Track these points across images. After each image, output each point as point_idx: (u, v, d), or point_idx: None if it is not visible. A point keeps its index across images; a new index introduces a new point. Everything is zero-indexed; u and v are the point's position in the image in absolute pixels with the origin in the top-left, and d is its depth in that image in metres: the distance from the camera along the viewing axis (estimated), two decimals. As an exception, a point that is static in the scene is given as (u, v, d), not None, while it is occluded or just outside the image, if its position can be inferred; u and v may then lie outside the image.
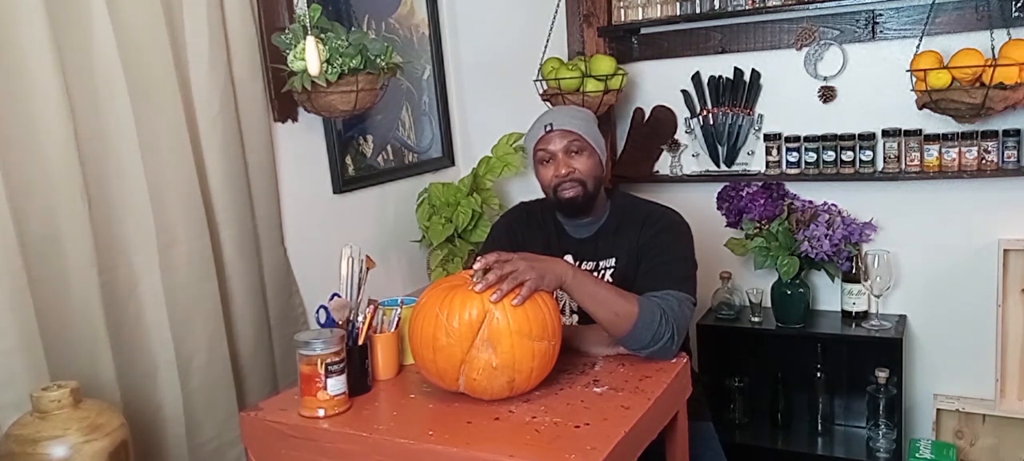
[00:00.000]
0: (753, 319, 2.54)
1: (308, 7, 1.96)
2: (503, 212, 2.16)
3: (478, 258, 1.50)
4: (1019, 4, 2.14)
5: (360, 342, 1.57)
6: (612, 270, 1.81)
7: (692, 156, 2.69)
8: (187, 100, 1.82)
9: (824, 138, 2.45)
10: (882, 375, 2.36)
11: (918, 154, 2.33)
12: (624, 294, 1.60)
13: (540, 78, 2.53)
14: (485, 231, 2.45)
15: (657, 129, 2.72)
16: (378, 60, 2.07)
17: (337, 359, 1.45)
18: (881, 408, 2.38)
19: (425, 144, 2.79)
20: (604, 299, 1.58)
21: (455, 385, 1.44)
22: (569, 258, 1.81)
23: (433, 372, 1.46)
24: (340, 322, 1.57)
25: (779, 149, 2.52)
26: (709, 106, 2.63)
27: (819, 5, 2.36)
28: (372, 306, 1.62)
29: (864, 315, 2.45)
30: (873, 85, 2.40)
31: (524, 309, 1.42)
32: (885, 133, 2.37)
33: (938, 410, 2.40)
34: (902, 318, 2.46)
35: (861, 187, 2.45)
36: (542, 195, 1.90)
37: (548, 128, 1.79)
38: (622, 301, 1.58)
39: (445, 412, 1.45)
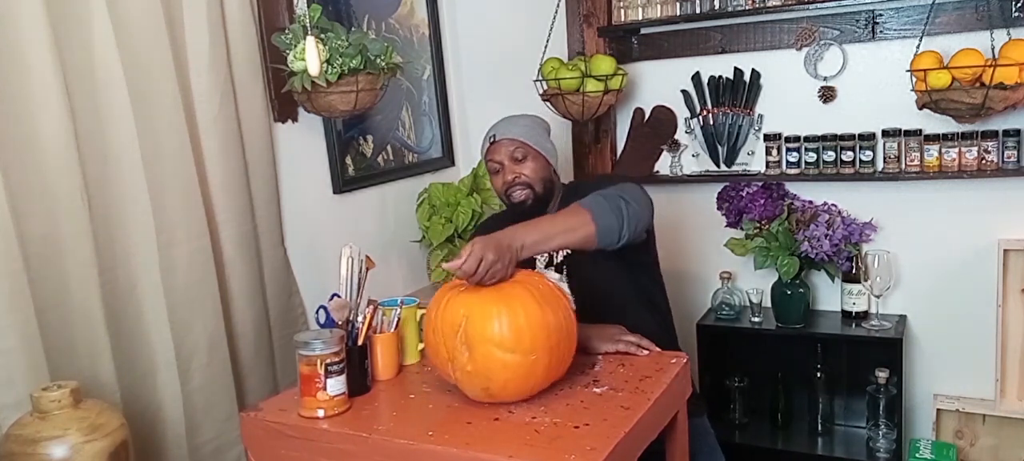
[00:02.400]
0: (753, 319, 2.54)
1: (308, 7, 1.96)
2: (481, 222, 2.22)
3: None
4: (1019, 4, 2.14)
5: (360, 342, 1.57)
6: None
7: (692, 156, 2.69)
8: (187, 100, 1.82)
9: (824, 138, 2.45)
10: (882, 375, 2.36)
11: (918, 154, 2.33)
12: (567, 210, 1.64)
13: (540, 78, 2.53)
14: (485, 231, 2.45)
15: (657, 129, 2.72)
16: (378, 60, 2.07)
17: (337, 359, 1.45)
18: (881, 408, 2.38)
19: (425, 144, 2.79)
20: (557, 227, 1.59)
21: (451, 378, 1.46)
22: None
23: (435, 361, 1.49)
24: (340, 322, 1.57)
25: (779, 149, 2.52)
26: (709, 106, 2.63)
27: (819, 5, 2.36)
28: (372, 306, 1.62)
29: (864, 315, 2.45)
30: (873, 85, 2.40)
31: (498, 319, 1.39)
32: (885, 133, 2.37)
33: (938, 410, 2.40)
34: (902, 318, 2.46)
35: (861, 187, 2.45)
36: None
37: (492, 139, 1.90)
38: (570, 215, 1.61)
39: (445, 412, 1.45)
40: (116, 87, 1.65)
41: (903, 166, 2.36)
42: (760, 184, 2.47)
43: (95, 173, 1.63)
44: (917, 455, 2.29)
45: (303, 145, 2.26)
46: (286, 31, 2.02)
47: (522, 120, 1.94)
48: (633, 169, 2.73)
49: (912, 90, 2.18)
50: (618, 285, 1.81)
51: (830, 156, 2.44)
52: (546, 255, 1.86)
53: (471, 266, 1.41)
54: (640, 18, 2.62)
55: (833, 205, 2.44)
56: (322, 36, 1.98)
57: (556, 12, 2.57)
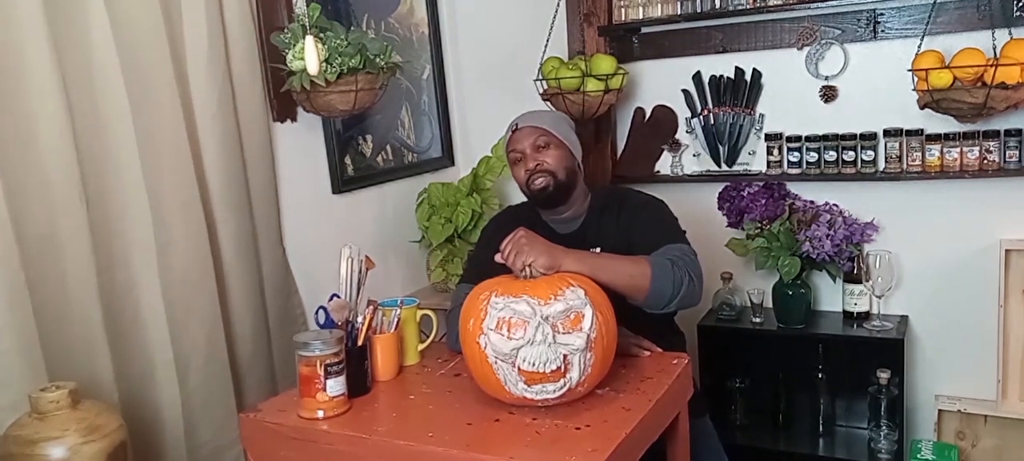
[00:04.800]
0: (754, 320, 2.53)
1: (307, 6, 1.96)
2: (496, 214, 2.18)
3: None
4: (1020, 4, 2.14)
5: (359, 343, 1.57)
6: None
7: (693, 156, 2.69)
8: (185, 99, 1.81)
9: (825, 138, 2.44)
10: (883, 376, 2.35)
11: (920, 154, 2.32)
12: (631, 257, 1.64)
13: (540, 78, 2.52)
14: (485, 231, 2.44)
15: (658, 129, 2.71)
16: (377, 60, 2.07)
17: (336, 360, 1.44)
18: (882, 409, 2.37)
19: (425, 144, 2.79)
20: (615, 267, 1.59)
21: None
22: None
23: None
24: (339, 323, 1.56)
25: (780, 149, 2.52)
26: (710, 106, 2.62)
27: (820, 4, 2.35)
28: (371, 307, 1.61)
29: (866, 316, 2.44)
30: (874, 85, 2.40)
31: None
32: (887, 133, 2.36)
33: (940, 411, 2.39)
34: (903, 319, 2.46)
35: (862, 187, 2.45)
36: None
37: (515, 128, 1.89)
38: (631, 263, 1.61)
39: (445, 413, 1.45)
40: (114, 86, 1.64)
41: (904, 166, 2.36)
42: (761, 184, 2.47)
43: (93, 172, 1.62)
44: (919, 456, 2.29)
45: (302, 145, 2.25)
46: (285, 30, 2.01)
47: (545, 112, 1.97)
48: (634, 169, 2.73)
49: (913, 90, 2.17)
50: None
51: (831, 156, 2.43)
52: None
53: (504, 242, 1.55)
54: (640, 17, 2.61)
55: (834, 205, 2.44)
56: (321, 35, 1.97)
57: (556, 11, 2.57)
